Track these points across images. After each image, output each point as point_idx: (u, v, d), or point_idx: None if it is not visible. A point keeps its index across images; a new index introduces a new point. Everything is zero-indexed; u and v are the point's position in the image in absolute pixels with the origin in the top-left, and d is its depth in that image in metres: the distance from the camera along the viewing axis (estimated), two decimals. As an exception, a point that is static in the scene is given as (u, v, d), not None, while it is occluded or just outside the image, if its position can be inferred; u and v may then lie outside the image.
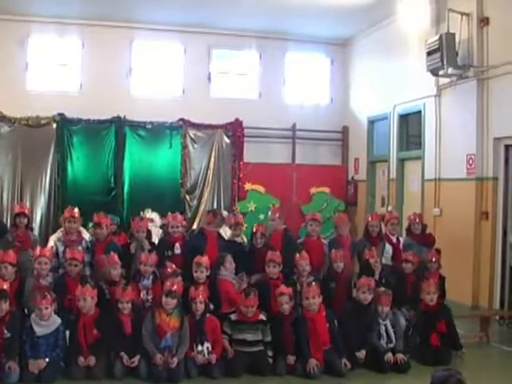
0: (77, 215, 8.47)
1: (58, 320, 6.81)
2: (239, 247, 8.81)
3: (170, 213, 9.09)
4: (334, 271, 8.24)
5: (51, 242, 8.79)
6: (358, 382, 7.09)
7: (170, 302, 6.96)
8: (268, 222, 9.26)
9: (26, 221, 8.59)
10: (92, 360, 6.70)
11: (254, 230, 8.80)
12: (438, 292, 7.96)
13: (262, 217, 13.20)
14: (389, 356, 7.29)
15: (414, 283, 8.34)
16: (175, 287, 7.09)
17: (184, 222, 9.36)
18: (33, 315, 6.76)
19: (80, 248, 8.05)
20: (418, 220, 9.48)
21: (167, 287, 7.09)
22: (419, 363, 7.46)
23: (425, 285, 7.93)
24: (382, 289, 7.80)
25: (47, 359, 6.56)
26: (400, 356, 7.30)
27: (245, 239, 9.17)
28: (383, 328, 7.58)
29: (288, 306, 7.36)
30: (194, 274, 7.66)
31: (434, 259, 8.66)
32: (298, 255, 8.24)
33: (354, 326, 7.48)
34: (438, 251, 8.95)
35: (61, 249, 8.14)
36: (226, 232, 10.44)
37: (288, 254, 8.36)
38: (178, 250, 8.45)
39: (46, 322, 6.71)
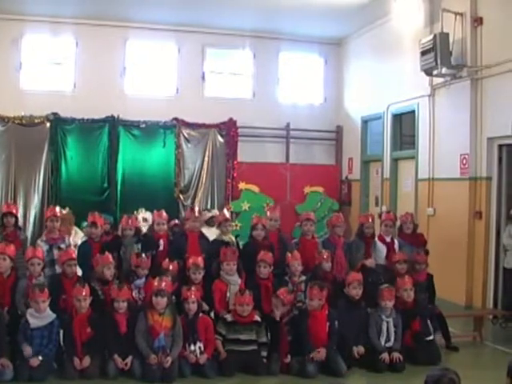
0: (58, 214, 8.59)
1: (53, 314, 6.89)
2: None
3: (155, 210, 9.13)
4: (322, 271, 8.26)
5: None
6: (353, 382, 7.13)
7: (161, 302, 6.97)
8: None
9: (13, 220, 8.62)
10: (87, 361, 6.72)
11: (255, 221, 8.69)
12: (413, 289, 7.97)
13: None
14: (384, 355, 7.32)
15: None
16: (164, 286, 7.11)
17: (179, 221, 9.36)
18: (29, 309, 6.84)
19: (63, 246, 8.11)
20: (409, 220, 9.50)
21: (155, 287, 7.11)
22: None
23: (401, 282, 7.96)
24: (386, 285, 7.84)
25: (40, 357, 6.59)
26: (396, 355, 7.35)
27: (233, 238, 9.11)
28: (385, 325, 7.61)
29: (278, 313, 7.38)
30: (192, 276, 7.68)
31: (420, 261, 8.65)
32: (289, 255, 8.25)
33: (347, 323, 7.50)
34: (426, 252, 8.96)
35: (45, 248, 8.18)
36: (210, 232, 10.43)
37: (283, 255, 8.39)
38: (161, 246, 8.48)
39: (41, 314, 6.79)
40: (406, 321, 7.76)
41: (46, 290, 6.89)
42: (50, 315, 6.86)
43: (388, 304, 7.68)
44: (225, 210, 9.59)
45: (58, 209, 8.72)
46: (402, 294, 7.88)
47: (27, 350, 6.60)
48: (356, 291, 7.69)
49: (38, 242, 8.52)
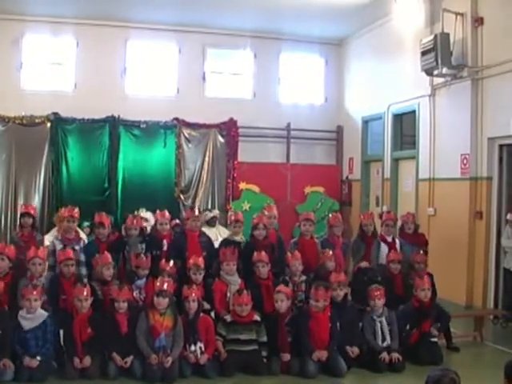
0: (76, 215, 8.58)
1: (45, 313, 6.84)
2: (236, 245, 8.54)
3: (158, 210, 9.13)
4: (325, 270, 8.25)
5: (46, 242, 8.82)
6: (353, 382, 7.12)
7: (162, 302, 6.97)
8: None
9: (30, 221, 8.62)
10: (87, 361, 6.72)
11: (256, 221, 8.65)
12: (431, 289, 7.98)
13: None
14: (384, 355, 7.31)
15: (402, 283, 8.40)
16: (166, 286, 7.10)
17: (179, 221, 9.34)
18: (20, 311, 6.79)
19: (78, 247, 8.09)
20: (411, 220, 9.50)
21: (158, 287, 7.11)
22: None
23: (419, 282, 7.94)
24: (374, 285, 7.82)
25: (38, 357, 6.57)
26: (395, 355, 7.33)
27: (244, 239, 9.10)
28: (378, 325, 7.59)
29: (284, 305, 7.36)
30: (193, 276, 7.67)
31: (419, 261, 8.66)
32: (290, 255, 8.24)
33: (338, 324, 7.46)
34: (425, 252, 8.98)
35: (59, 247, 8.17)
36: (220, 232, 10.42)
37: (281, 254, 8.37)
38: (165, 246, 8.49)
39: (33, 314, 6.75)
40: (418, 320, 7.74)
41: (40, 288, 6.88)
42: (41, 315, 6.81)
43: (376, 303, 7.67)
44: (239, 213, 9.52)
45: (76, 210, 8.69)
46: (419, 294, 7.86)
47: (26, 359, 6.56)
48: (336, 293, 7.63)
49: (53, 239, 8.52)
